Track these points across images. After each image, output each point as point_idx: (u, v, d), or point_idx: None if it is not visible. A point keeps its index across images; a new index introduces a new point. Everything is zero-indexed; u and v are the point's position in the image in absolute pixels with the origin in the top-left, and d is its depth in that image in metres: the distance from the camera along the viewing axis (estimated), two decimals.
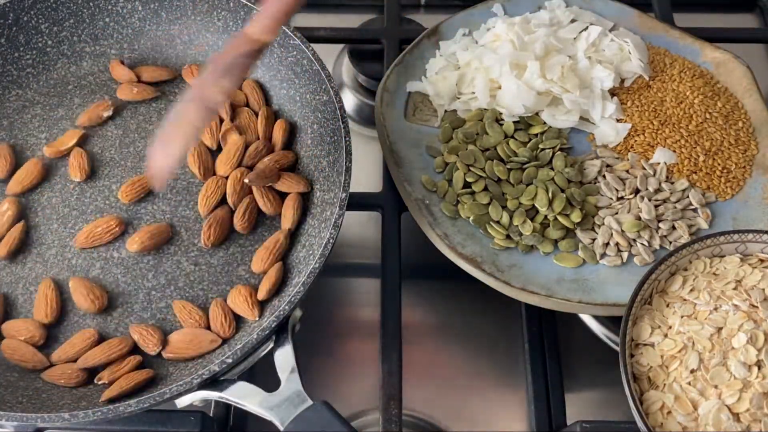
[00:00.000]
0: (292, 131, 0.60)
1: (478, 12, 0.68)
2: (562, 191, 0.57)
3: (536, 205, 0.57)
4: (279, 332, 0.49)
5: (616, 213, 0.57)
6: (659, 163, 0.59)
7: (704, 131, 0.60)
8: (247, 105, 0.61)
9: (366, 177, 0.66)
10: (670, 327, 0.47)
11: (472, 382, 0.58)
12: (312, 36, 0.70)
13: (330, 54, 0.76)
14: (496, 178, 0.58)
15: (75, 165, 0.57)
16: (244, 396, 0.46)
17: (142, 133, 0.60)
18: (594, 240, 0.56)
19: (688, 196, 0.58)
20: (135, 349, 0.51)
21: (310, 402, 0.46)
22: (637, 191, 0.58)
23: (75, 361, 0.50)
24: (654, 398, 0.45)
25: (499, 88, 0.62)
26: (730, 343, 0.45)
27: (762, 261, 0.49)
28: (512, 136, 0.60)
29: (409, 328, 0.59)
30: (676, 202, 0.57)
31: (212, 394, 0.46)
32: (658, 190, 0.58)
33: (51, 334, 0.52)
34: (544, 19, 0.65)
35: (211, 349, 0.50)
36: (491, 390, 0.58)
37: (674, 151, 0.59)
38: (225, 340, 0.51)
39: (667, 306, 0.48)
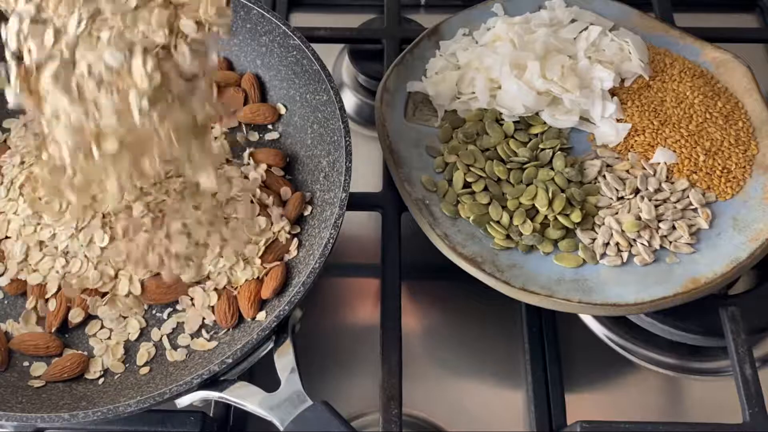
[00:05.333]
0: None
1: (478, 12, 0.68)
2: (562, 191, 0.57)
3: (536, 205, 0.57)
4: (279, 332, 0.49)
5: (616, 213, 0.57)
6: (659, 163, 0.59)
7: (704, 131, 0.60)
8: (246, 102, 0.61)
9: (366, 177, 0.66)
10: None
11: (472, 382, 0.58)
12: (312, 36, 0.70)
13: (330, 54, 0.76)
14: (496, 178, 0.58)
15: None
16: (244, 396, 0.46)
17: None
18: (594, 240, 0.56)
19: (688, 196, 0.58)
20: None
21: (310, 402, 0.46)
22: (637, 191, 0.58)
23: None
24: None
25: (499, 88, 0.62)
26: None
27: None
28: (512, 136, 0.60)
29: (409, 328, 0.59)
30: (676, 202, 0.57)
31: (212, 394, 0.46)
32: (658, 190, 0.58)
33: None
34: (544, 19, 0.65)
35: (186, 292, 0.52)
36: (491, 390, 0.58)
37: (674, 151, 0.59)
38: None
39: None
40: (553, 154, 0.59)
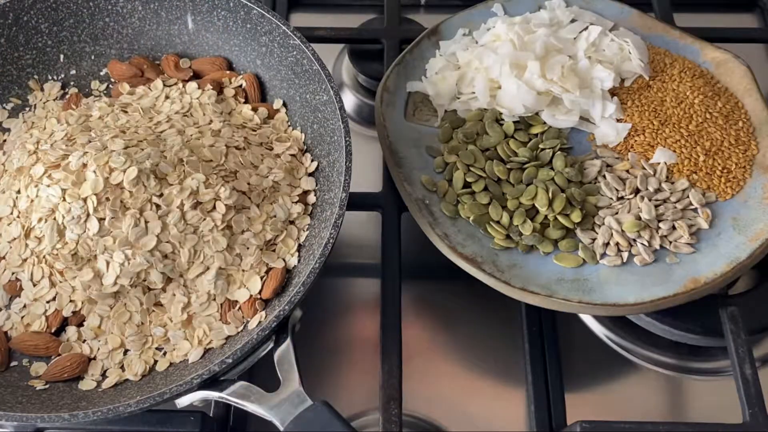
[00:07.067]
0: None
1: (478, 12, 0.68)
2: (562, 191, 0.57)
3: (536, 205, 0.57)
4: (279, 332, 0.49)
5: (616, 213, 0.57)
6: (659, 163, 0.59)
7: (704, 131, 0.60)
8: (246, 101, 0.61)
9: (366, 177, 0.66)
10: None
11: (472, 382, 0.58)
12: (312, 36, 0.70)
13: (330, 54, 0.76)
14: (496, 178, 0.58)
15: None
16: (244, 396, 0.46)
17: None
18: (594, 240, 0.56)
19: (688, 196, 0.58)
20: None
21: (310, 402, 0.46)
22: (637, 191, 0.58)
23: None
24: None
25: (499, 88, 0.62)
26: None
27: None
28: (512, 136, 0.60)
29: (409, 328, 0.59)
30: (676, 202, 0.57)
31: (212, 394, 0.46)
32: (658, 190, 0.58)
33: None
34: (544, 19, 0.65)
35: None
36: (491, 390, 0.58)
37: (674, 151, 0.59)
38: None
39: None
40: (553, 154, 0.59)
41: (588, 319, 0.61)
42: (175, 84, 0.61)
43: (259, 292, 0.52)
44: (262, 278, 0.52)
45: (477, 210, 0.57)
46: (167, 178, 0.51)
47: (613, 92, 0.63)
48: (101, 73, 0.63)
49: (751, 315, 0.56)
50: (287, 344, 0.48)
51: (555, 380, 0.55)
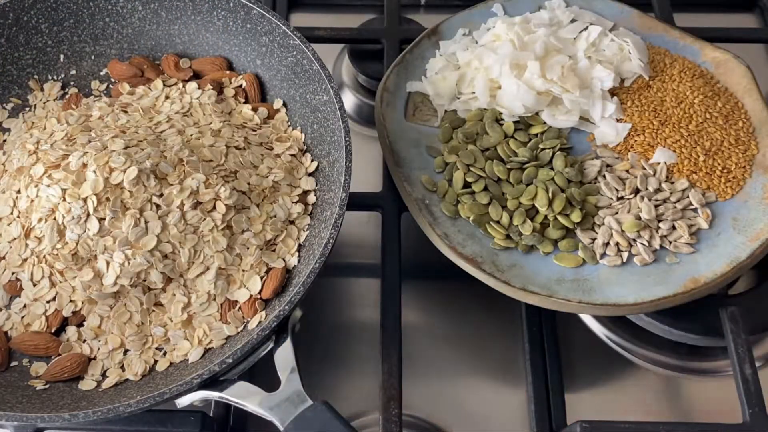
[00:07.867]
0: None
1: (478, 12, 0.68)
2: (562, 191, 0.57)
3: (536, 205, 0.57)
4: (279, 332, 0.49)
5: (616, 213, 0.57)
6: (659, 163, 0.59)
7: (704, 131, 0.60)
8: (246, 101, 0.61)
9: (366, 177, 0.66)
10: None
11: (472, 382, 0.58)
12: (312, 36, 0.70)
13: (330, 54, 0.76)
14: (496, 178, 0.58)
15: None
16: (244, 396, 0.46)
17: None
18: (594, 240, 0.56)
19: (688, 196, 0.58)
20: None
21: (310, 402, 0.46)
22: (637, 191, 0.58)
23: None
24: None
25: (499, 88, 0.62)
26: None
27: None
28: (512, 136, 0.60)
29: (409, 328, 0.59)
30: (676, 202, 0.58)
31: (212, 394, 0.46)
32: (658, 190, 0.58)
33: None
34: (544, 19, 0.65)
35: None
36: (491, 390, 0.58)
37: (674, 151, 0.59)
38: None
39: None
40: (553, 154, 0.59)
41: (588, 319, 0.61)
42: (175, 84, 0.61)
43: (259, 292, 0.52)
44: (262, 278, 0.52)
45: (477, 210, 0.57)
46: (167, 178, 0.51)
47: (613, 92, 0.63)
48: (101, 73, 0.63)
49: (751, 315, 0.56)
50: (287, 344, 0.48)
51: (555, 380, 0.55)
